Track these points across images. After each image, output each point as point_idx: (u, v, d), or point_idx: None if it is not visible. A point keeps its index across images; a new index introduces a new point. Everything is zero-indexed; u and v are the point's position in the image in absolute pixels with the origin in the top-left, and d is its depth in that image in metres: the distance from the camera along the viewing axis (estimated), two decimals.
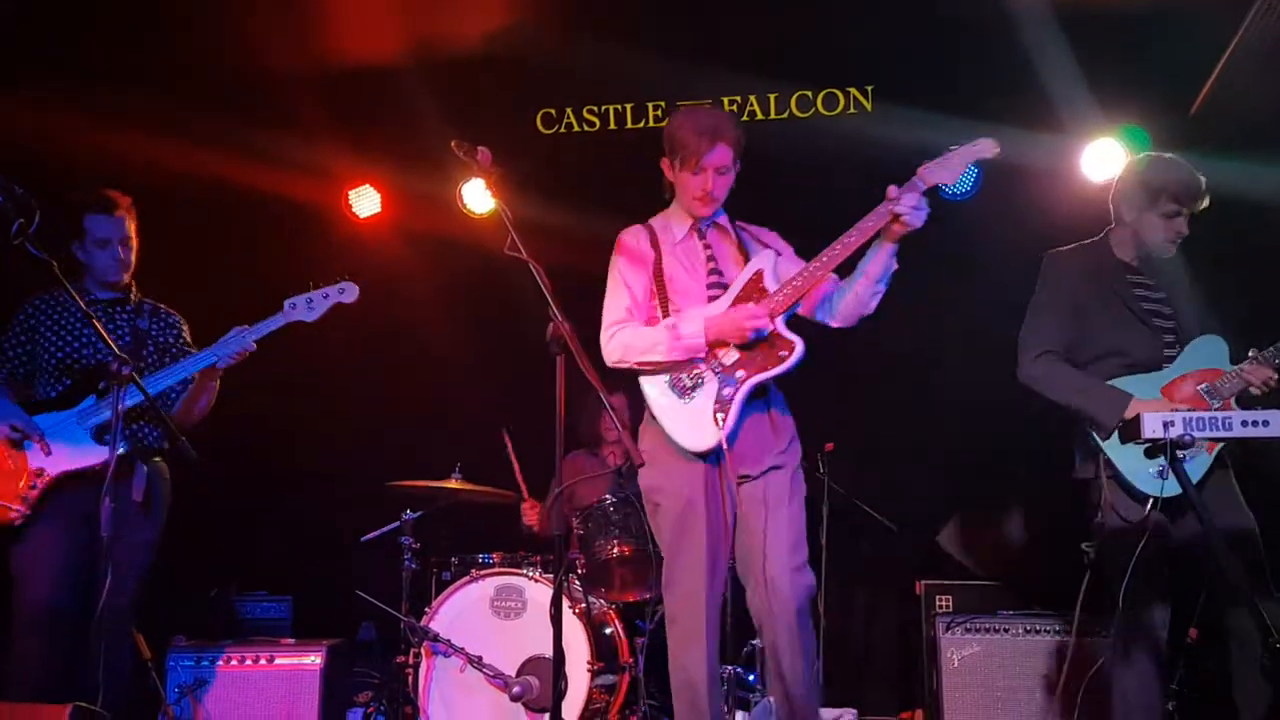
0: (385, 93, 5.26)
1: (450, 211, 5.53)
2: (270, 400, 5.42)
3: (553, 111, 5.47)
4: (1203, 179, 3.61)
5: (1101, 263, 3.73)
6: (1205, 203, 3.62)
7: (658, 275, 3.33)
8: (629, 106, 5.36)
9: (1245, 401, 3.47)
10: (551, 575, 4.31)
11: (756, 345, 3.20)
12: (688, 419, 3.19)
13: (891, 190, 3.18)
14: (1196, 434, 3.01)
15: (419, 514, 4.63)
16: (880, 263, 3.24)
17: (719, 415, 3.15)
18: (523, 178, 5.22)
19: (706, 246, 3.37)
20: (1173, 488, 3.30)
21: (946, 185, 3.24)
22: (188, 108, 5.08)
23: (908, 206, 3.15)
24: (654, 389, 3.27)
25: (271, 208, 5.47)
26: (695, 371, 3.22)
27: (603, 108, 5.41)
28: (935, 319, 5.51)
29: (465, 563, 4.59)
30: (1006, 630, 4.36)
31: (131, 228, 3.91)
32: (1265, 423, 2.99)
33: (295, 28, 4.95)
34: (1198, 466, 3.43)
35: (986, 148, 3.27)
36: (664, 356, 3.22)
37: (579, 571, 4.43)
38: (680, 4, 4.80)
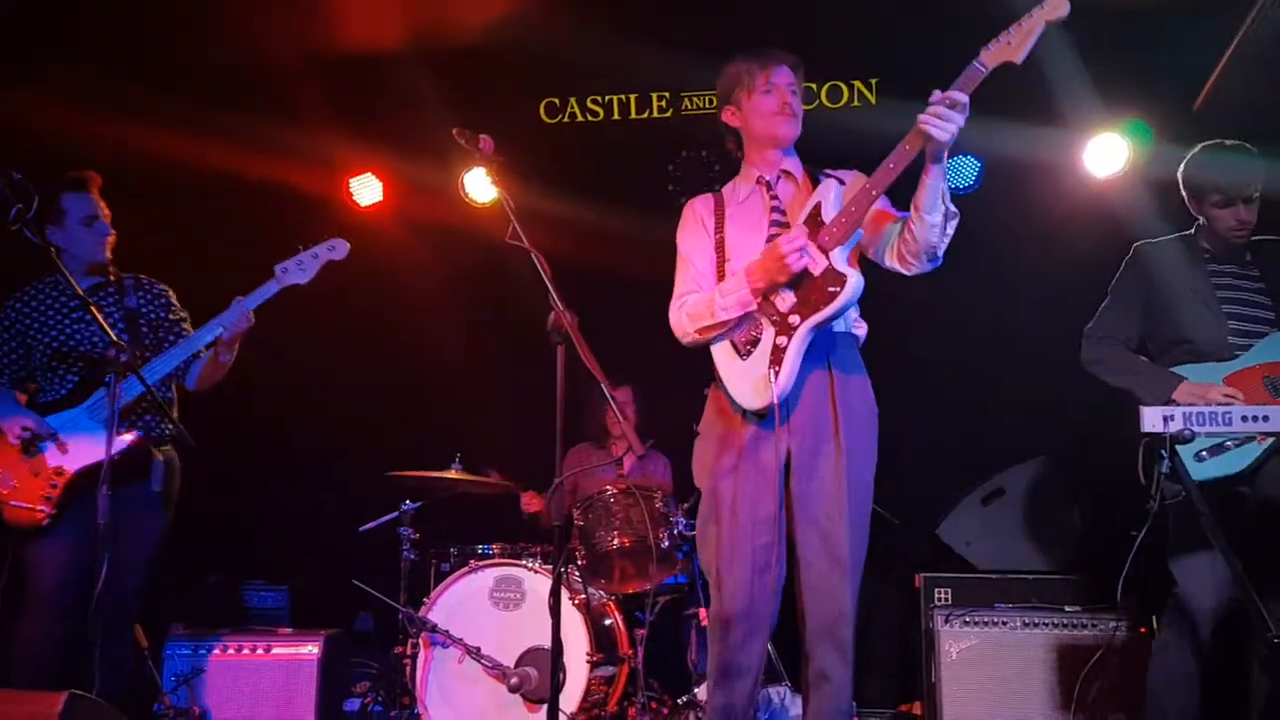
0: (387, 81, 5.24)
1: (452, 200, 5.52)
2: (270, 388, 5.41)
3: (556, 101, 5.45)
4: (1256, 163, 3.55)
5: (1184, 254, 3.70)
6: (1258, 187, 3.53)
7: (719, 242, 3.14)
8: (633, 97, 5.34)
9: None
10: (550, 566, 4.32)
11: (810, 285, 2.94)
12: (745, 376, 2.99)
13: (935, 95, 2.83)
14: (1196, 429, 3.00)
15: (418, 504, 4.63)
16: (924, 188, 2.88)
17: (773, 370, 2.92)
18: (525, 167, 5.22)
19: (773, 198, 3.13)
20: (1212, 470, 3.34)
21: (1015, 63, 2.85)
22: (189, 99, 5.05)
23: (930, 114, 2.80)
24: (719, 350, 3.07)
25: (273, 197, 5.46)
26: (754, 327, 3.00)
27: (606, 98, 5.39)
28: (938, 312, 5.50)
29: (464, 553, 4.60)
30: (1004, 623, 4.36)
31: (104, 204, 3.86)
32: (1265, 418, 2.99)
33: (296, 16, 4.92)
34: (1244, 455, 3.38)
35: (1056, 6, 2.88)
36: (715, 318, 3.01)
37: (579, 563, 4.43)
38: None
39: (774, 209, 3.12)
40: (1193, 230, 3.74)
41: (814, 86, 5.19)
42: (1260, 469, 3.39)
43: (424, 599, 4.38)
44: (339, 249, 3.94)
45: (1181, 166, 3.70)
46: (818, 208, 3.00)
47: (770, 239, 3.06)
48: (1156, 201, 4.63)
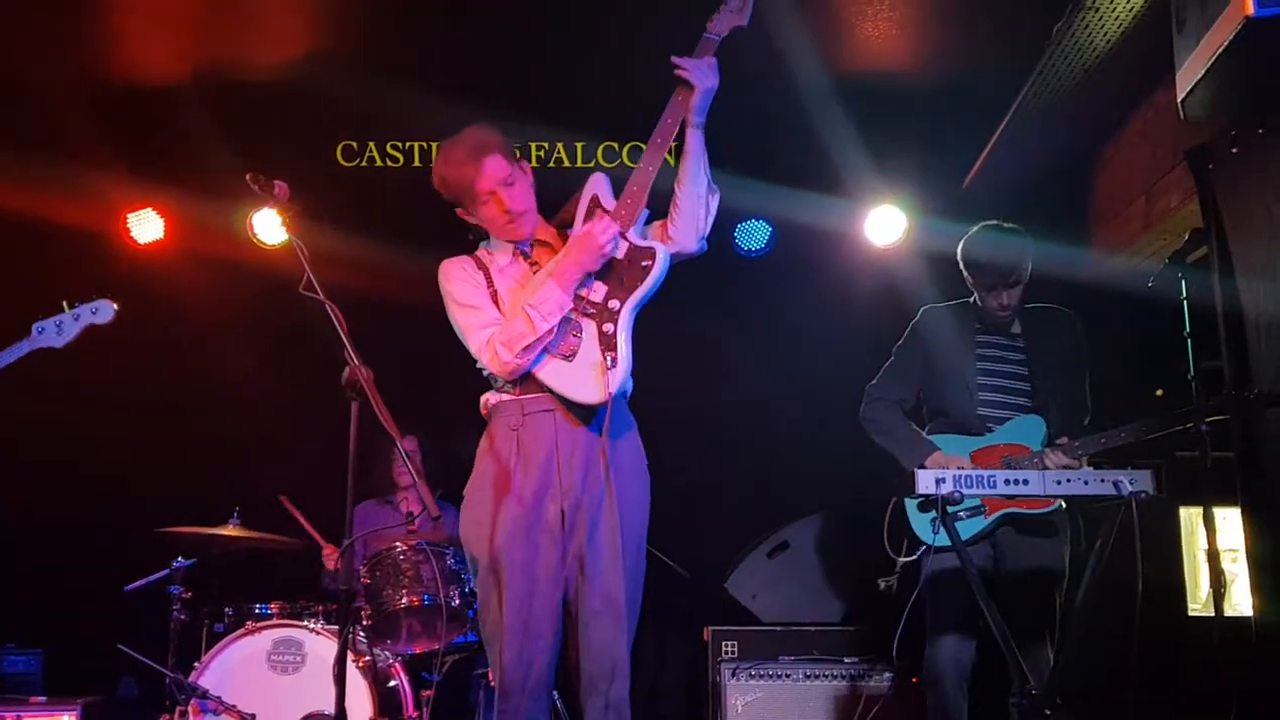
0: (169, 115, 4.97)
1: (240, 240, 5.31)
2: (28, 431, 5.02)
3: (354, 144, 5.32)
4: (1021, 251, 3.75)
5: (959, 323, 3.92)
6: (1021, 274, 3.75)
7: (494, 295, 3.07)
8: (434, 144, 5.27)
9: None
10: (333, 627, 4.15)
11: (618, 269, 2.96)
12: (580, 371, 2.92)
13: (678, 60, 2.98)
14: (965, 491, 3.20)
15: (191, 561, 4.36)
16: (689, 157, 3.01)
17: (607, 355, 2.89)
18: (320, 209, 5.09)
19: (533, 264, 3.10)
20: (945, 539, 3.43)
21: (740, 28, 3.03)
22: None
23: (684, 65, 2.96)
24: (545, 368, 2.94)
25: (39, 232, 5.09)
26: (572, 331, 2.94)
27: (407, 144, 5.31)
28: (728, 370, 5.67)
29: (240, 614, 4.36)
30: (787, 675, 4.48)
31: None
32: (1025, 481, 3.21)
33: (66, 42, 4.62)
34: (972, 526, 3.67)
35: None
36: (536, 332, 2.89)
37: (364, 623, 4.27)
38: (492, 48, 4.79)
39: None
40: (972, 299, 3.96)
41: (616, 145, 5.28)
42: (992, 533, 3.69)
43: (195, 663, 4.13)
44: (103, 311, 3.68)
45: (961, 244, 3.90)
46: (594, 199, 3.05)
47: None
48: (929, 270, 4.94)
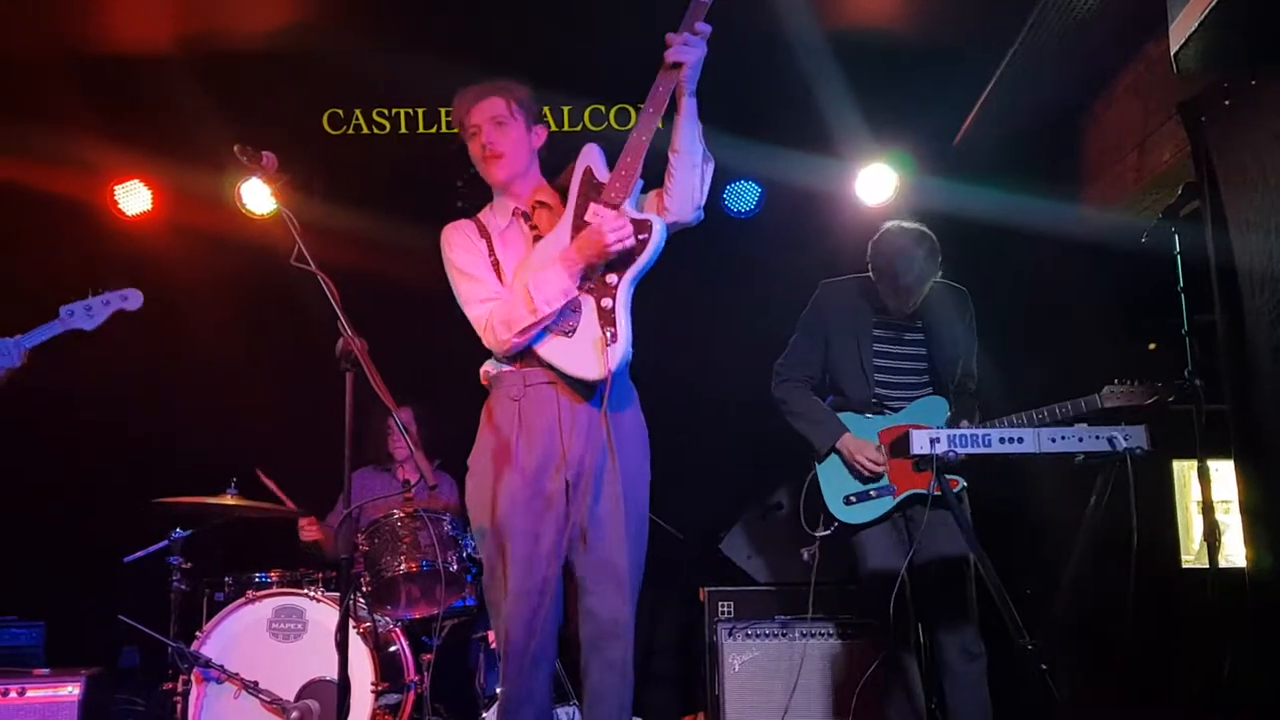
0: (155, 85, 4.93)
1: (230, 211, 5.28)
2: (25, 406, 5.01)
3: (340, 112, 5.27)
4: (928, 264, 3.79)
5: (860, 301, 3.97)
6: (923, 292, 3.84)
7: (495, 263, 3.06)
8: (421, 111, 5.23)
9: (950, 468, 3.66)
10: (333, 594, 4.18)
11: None
12: (579, 347, 2.90)
13: (670, 36, 2.92)
14: (960, 450, 3.22)
15: (190, 532, 4.37)
16: (681, 127, 2.96)
17: (607, 331, 2.87)
18: (307, 178, 5.06)
19: (534, 228, 3.09)
20: (856, 516, 3.81)
21: None
22: None
23: (676, 45, 2.91)
24: (545, 344, 2.94)
25: (24, 203, 5.06)
26: (573, 304, 2.92)
27: (394, 111, 5.26)
28: (720, 331, 5.66)
29: (240, 583, 4.38)
30: (784, 635, 4.52)
31: None
32: (1020, 439, 3.24)
33: (50, 11, 4.58)
34: (880, 506, 3.81)
35: None
36: (537, 315, 2.88)
37: (363, 589, 4.29)
38: (478, 13, 4.74)
39: (536, 238, 3.08)
40: (869, 274, 3.98)
41: (603, 108, 5.25)
42: (904, 514, 3.80)
43: (196, 632, 4.15)
44: (132, 299, 3.84)
45: (874, 243, 3.93)
46: (588, 171, 3.02)
47: None
48: None
